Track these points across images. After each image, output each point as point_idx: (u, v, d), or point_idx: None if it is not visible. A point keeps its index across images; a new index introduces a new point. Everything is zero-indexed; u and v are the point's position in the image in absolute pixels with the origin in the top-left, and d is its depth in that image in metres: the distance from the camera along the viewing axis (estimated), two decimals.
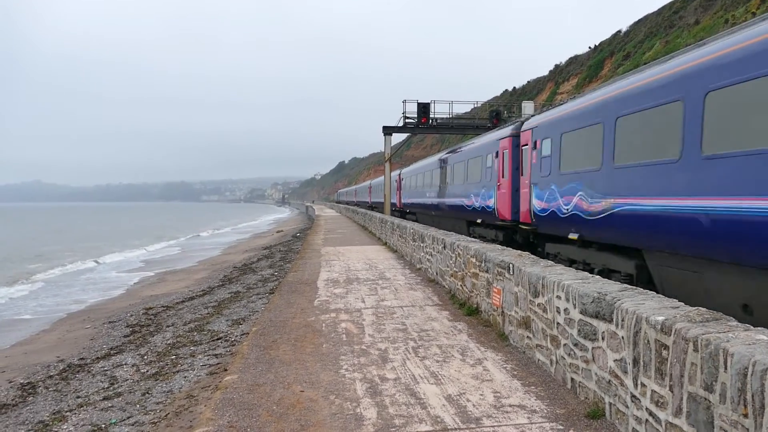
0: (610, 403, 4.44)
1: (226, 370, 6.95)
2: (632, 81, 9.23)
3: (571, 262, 11.25)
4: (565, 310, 5.28)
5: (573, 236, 10.88)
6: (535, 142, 13.17)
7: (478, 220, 17.80)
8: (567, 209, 11.16)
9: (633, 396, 4.08)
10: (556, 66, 64.72)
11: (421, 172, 29.05)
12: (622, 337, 4.24)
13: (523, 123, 14.87)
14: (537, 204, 12.88)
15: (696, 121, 7.32)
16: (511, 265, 6.95)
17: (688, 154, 7.44)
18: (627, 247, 9.22)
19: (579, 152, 10.86)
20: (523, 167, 14.21)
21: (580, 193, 10.54)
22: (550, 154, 12.28)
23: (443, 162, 23.93)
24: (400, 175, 37.65)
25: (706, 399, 3.23)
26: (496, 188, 15.83)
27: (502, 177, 15.43)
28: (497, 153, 15.93)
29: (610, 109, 9.70)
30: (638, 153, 8.74)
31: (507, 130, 15.67)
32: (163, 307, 15.95)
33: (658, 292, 7.70)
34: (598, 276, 5.79)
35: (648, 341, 3.87)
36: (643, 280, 8.83)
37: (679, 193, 7.57)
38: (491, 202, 16.28)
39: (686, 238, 7.51)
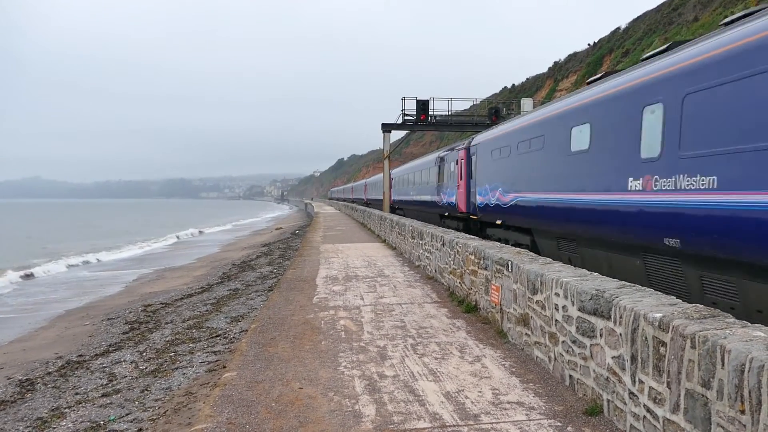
0: (608, 400, 4.45)
1: (224, 367, 6.95)
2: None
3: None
4: (564, 307, 5.29)
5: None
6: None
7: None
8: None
9: (631, 393, 4.09)
10: (556, 63, 64.71)
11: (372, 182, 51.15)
12: (620, 334, 4.25)
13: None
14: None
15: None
16: (509, 263, 6.96)
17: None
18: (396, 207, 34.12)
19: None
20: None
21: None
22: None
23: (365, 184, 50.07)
24: (366, 184, 63.78)
25: (703, 395, 3.24)
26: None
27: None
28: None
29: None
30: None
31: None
32: (161, 304, 15.95)
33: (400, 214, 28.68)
34: (596, 273, 5.80)
35: (646, 338, 3.88)
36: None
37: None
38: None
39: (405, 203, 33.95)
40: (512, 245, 12.16)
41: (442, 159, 23.67)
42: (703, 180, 7.08)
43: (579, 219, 10.49)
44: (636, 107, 8.71)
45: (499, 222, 15.57)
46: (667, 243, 7.81)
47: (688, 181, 7.37)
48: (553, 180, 11.63)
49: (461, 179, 19.75)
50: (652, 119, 8.25)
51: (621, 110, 9.20)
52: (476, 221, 18.32)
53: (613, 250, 9.53)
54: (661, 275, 8.28)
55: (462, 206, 19.68)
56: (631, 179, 8.72)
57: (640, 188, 8.45)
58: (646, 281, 8.58)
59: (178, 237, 51.09)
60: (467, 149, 19.50)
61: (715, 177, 6.89)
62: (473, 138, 19.54)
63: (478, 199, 17.44)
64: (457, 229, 18.55)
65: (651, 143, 8.24)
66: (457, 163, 20.57)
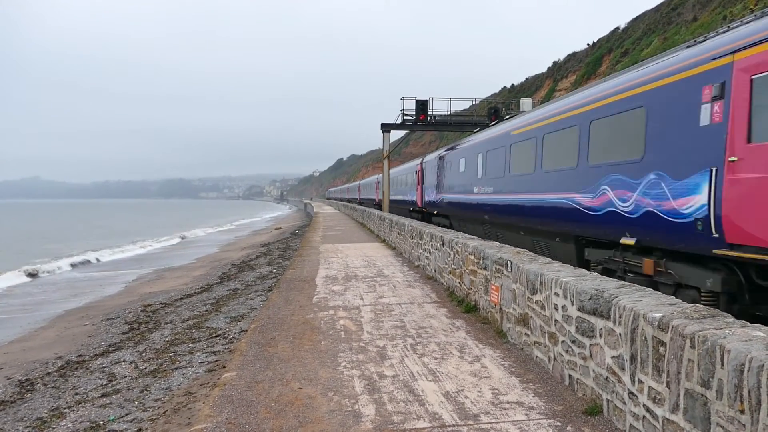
0: (608, 400, 4.46)
1: (224, 367, 6.95)
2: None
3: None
4: (563, 307, 5.29)
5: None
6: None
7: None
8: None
9: (630, 392, 4.10)
10: (555, 63, 64.71)
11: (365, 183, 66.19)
12: (620, 334, 4.25)
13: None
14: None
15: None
16: (509, 263, 6.96)
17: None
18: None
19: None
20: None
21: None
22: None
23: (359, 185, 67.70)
24: (359, 185, 75.52)
25: (702, 395, 3.25)
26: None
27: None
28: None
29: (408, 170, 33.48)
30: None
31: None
32: (161, 304, 15.95)
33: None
34: (596, 273, 5.81)
35: (645, 338, 3.88)
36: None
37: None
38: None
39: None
40: (441, 225, 20.08)
41: (409, 169, 33.19)
42: (490, 188, 15.56)
43: (463, 208, 19.20)
44: (477, 153, 17.45)
45: (435, 212, 24.68)
46: (485, 218, 16.28)
47: (487, 189, 15.90)
48: (454, 187, 20.43)
49: (419, 184, 28.49)
50: (481, 159, 16.80)
51: (473, 153, 17.96)
52: (426, 212, 27.03)
53: (474, 223, 18.14)
54: (488, 233, 16.45)
55: (419, 203, 28.43)
56: (475, 188, 17.21)
57: (477, 192, 16.95)
58: (485, 237, 16.01)
59: (177, 237, 51.01)
60: (421, 164, 28.48)
61: (491, 187, 15.44)
62: (424, 157, 28.83)
63: (426, 198, 26.46)
64: (417, 218, 27.03)
65: (480, 171, 16.77)
66: (416, 173, 29.34)
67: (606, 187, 9.02)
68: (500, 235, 15.25)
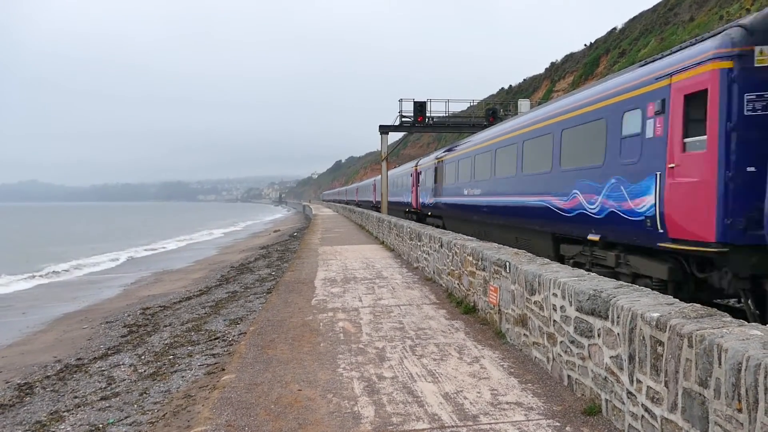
0: (607, 400, 4.47)
1: (223, 369, 6.95)
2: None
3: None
4: (562, 307, 5.30)
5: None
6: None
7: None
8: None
9: (629, 392, 4.11)
10: (552, 64, 64.79)
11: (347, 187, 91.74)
12: (618, 334, 4.26)
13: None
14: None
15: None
16: (507, 263, 6.97)
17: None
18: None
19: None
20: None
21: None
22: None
23: (355, 188, 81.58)
24: (346, 189, 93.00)
25: (700, 394, 3.26)
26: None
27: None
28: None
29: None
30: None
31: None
32: (160, 307, 15.94)
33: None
34: (594, 273, 5.82)
35: (643, 338, 3.89)
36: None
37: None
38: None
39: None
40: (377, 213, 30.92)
41: (369, 184, 49.12)
42: (422, 194, 27.99)
43: (399, 203, 34.52)
44: (408, 174, 33.51)
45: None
46: (410, 209, 31.18)
47: (421, 193, 29.48)
48: (394, 193, 36.39)
49: (373, 191, 45.84)
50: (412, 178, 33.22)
51: (404, 174, 34.88)
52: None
53: (403, 213, 32.71)
54: (411, 217, 29.13)
55: (373, 200, 46.73)
56: (405, 193, 33.20)
57: (409, 195, 32.40)
58: (413, 220, 26.78)
59: (176, 240, 50.98)
60: (374, 182, 48.06)
61: (427, 193, 27.79)
62: (361, 182, 66.03)
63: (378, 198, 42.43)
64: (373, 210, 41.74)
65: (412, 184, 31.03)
66: (373, 186, 47.31)
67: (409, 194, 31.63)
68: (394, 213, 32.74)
